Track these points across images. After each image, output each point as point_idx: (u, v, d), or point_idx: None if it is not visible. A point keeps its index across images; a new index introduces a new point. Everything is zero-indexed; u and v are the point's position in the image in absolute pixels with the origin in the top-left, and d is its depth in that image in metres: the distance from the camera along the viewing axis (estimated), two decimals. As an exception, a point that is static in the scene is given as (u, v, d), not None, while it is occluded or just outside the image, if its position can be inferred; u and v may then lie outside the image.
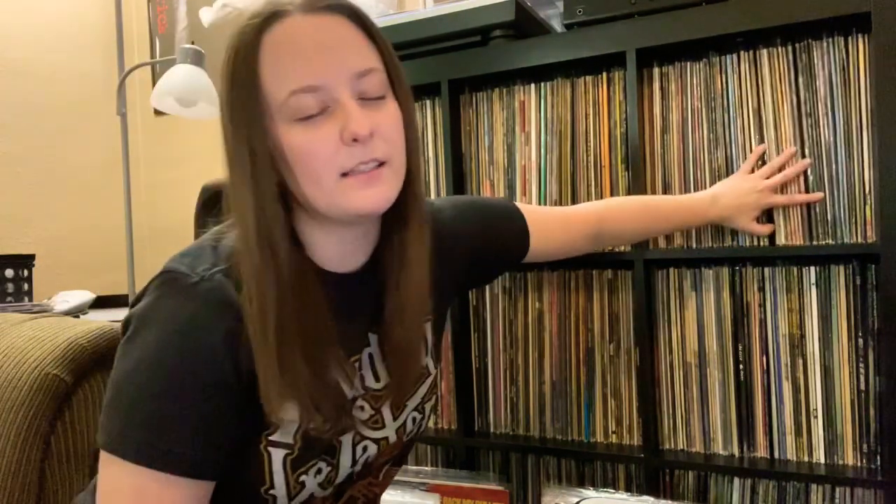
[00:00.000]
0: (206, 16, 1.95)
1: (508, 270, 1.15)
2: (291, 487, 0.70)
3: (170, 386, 0.63)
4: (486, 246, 0.93)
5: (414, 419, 0.83)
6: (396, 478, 1.24)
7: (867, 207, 1.05)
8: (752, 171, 1.10)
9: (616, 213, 1.07)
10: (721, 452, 1.16)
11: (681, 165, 1.17)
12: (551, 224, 1.02)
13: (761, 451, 1.14)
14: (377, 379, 0.78)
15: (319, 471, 0.72)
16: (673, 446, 1.20)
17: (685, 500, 1.18)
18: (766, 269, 1.13)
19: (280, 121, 0.65)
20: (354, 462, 0.76)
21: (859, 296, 1.07)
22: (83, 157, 2.66)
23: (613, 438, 1.24)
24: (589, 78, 1.24)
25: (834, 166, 1.08)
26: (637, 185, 1.16)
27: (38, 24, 2.56)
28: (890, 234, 1.00)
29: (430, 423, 1.39)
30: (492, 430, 1.34)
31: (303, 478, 0.71)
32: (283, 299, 0.65)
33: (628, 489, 1.22)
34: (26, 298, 2.05)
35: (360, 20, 0.69)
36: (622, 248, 1.21)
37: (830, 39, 1.07)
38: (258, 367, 0.64)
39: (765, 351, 1.13)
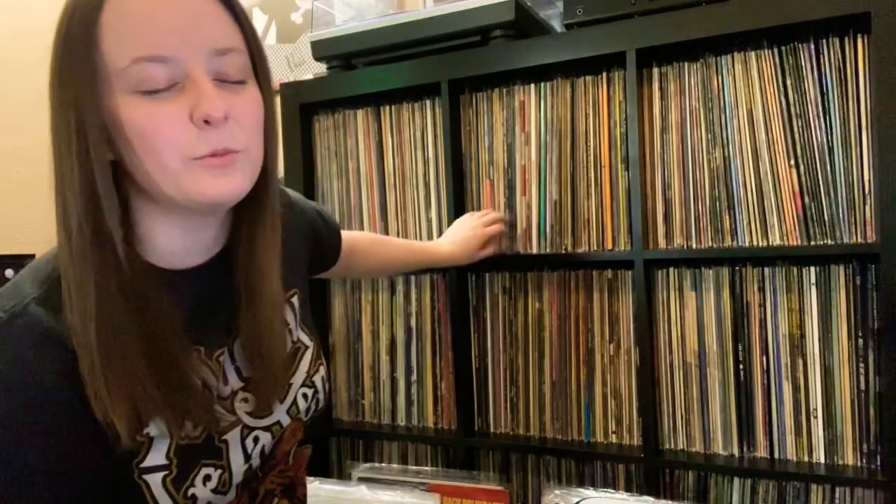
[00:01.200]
0: None
1: (317, 274, 1.09)
2: None
3: (11, 446, 0.55)
4: (318, 236, 0.94)
5: (305, 395, 0.79)
6: (396, 478, 1.24)
7: (867, 207, 1.05)
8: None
9: (363, 241, 1.14)
10: (721, 452, 1.16)
11: (680, 165, 1.17)
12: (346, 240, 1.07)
13: (761, 451, 1.14)
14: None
15: (208, 478, 0.66)
16: (673, 446, 1.20)
17: (685, 500, 1.18)
18: (766, 269, 1.13)
19: (119, 91, 0.56)
20: (248, 457, 0.71)
21: (859, 296, 1.07)
22: (83, 157, 2.66)
23: (613, 438, 1.24)
24: (589, 78, 1.24)
25: (829, 167, 1.08)
26: (637, 185, 1.16)
27: (37, 24, 2.57)
28: (890, 234, 1.00)
29: (430, 423, 1.39)
30: (492, 430, 1.34)
31: (191, 491, 0.64)
32: (114, 301, 0.58)
33: (628, 489, 1.22)
34: (26, 298, 2.04)
35: None
36: (622, 248, 1.21)
37: (824, 41, 1.07)
38: (90, 388, 0.56)
39: (765, 351, 1.13)
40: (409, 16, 1.35)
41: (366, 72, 1.39)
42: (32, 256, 2.11)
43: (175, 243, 0.65)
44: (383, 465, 1.39)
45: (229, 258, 0.70)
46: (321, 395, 0.82)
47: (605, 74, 1.22)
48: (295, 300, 0.82)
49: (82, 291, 0.57)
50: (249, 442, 0.71)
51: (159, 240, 0.64)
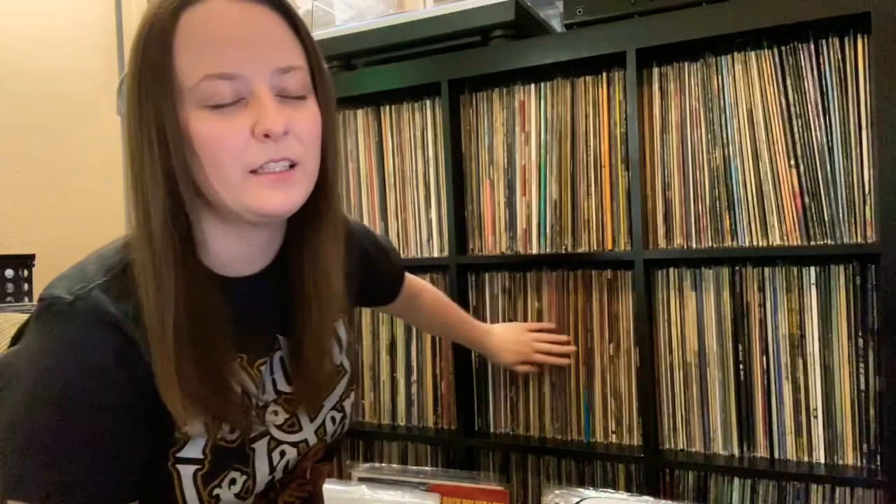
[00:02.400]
0: None
1: (371, 305, 1.18)
2: (205, 503, 0.67)
3: (64, 416, 0.59)
4: (375, 268, 0.96)
5: (333, 419, 0.81)
6: (396, 478, 1.24)
7: (867, 207, 1.05)
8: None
9: (427, 295, 1.16)
10: (721, 452, 1.16)
11: (680, 165, 1.17)
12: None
13: (761, 451, 1.14)
14: (289, 382, 0.75)
15: (234, 481, 0.69)
16: (673, 446, 1.20)
17: (685, 500, 1.18)
18: (767, 270, 1.13)
19: (190, 105, 0.61)
20: (273, 469, 0.73)
21: (859, 296, 1.07)
22: (83, 157, 2.66)
23: (613, 438, 1.24)
24: (589, 78, 1.24)
25: (829, 167, 1.08)
26: (637, 185, 1.16)
27: (37, 24, 2.57)
28: (890, 234, 1.00)
29: (430, 423, 1.39)
30: (492, 430, 1.34)
31: (216, 491, 0.67)
32: (176, 302, 0.62)
33: (628, 489, 1.22)
34: (26, 298, 2.05)
35: (288, 15, 0.65)
36: (622, 248, 1.21)
37: (824, 41, 1.07)
38: (157, 376, 0.61)
39: (765, 351, 1.13)
40: (409, 16, 1.35)
41: (366, 72, 1.39)
42: (32, 256, 2.11)
43: (230, 251, 0.69)
44: (383, 465, 1.39)
45: (279, 271, 0.73)
46: (347, 420, 0.84)
47: (605, 74, 1.22)
48: (340, 324, 0.83)
49: (160, 290, 0.61)
50: (276, 455, 0.73)
51: (216, 247, 0.68)
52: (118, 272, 0.63)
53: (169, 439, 0.64)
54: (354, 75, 1.40)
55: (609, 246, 1.23)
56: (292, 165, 0.64)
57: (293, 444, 0.75)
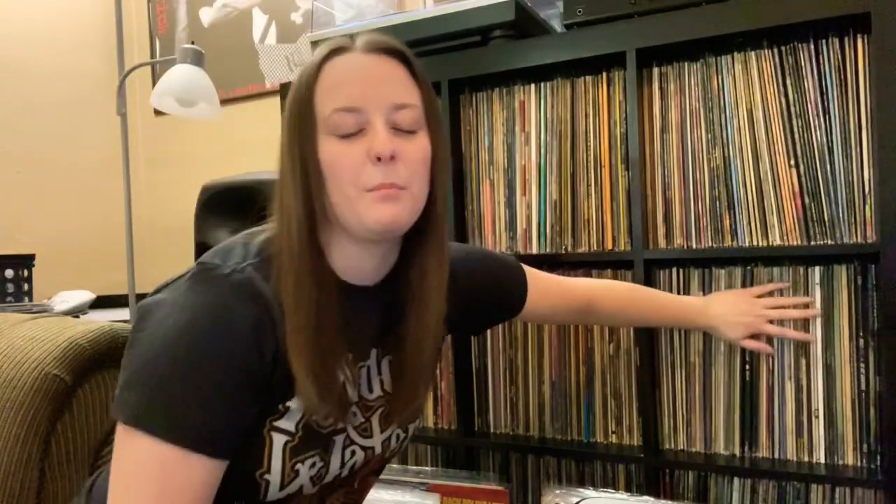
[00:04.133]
0: (206, 16, 1.95)
1: (500, 322, 1.19)
2: (286, 474, 0.74)
3: (198, 365, 0.67)
4: (486, 292, 0.98)
5: (398, 437, 0.88)
6: (396, 478, 1.25)
7: (867, 207, 1.05)
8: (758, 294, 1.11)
9: (607, 298, 1.10)
10: (721, 452, 1.16)
11: (680, 165, 1.17)
12: (549, 289, 1.06)
13: (762, 452, 1.14)
14: (370, 390, 0.82)
15: (314, 464, 0.76)
16: (673, 446, 1.20)
17: (685, 500, 1.18)
18: (769, 270, 1.13)
19: (323, 134, 0.72)
20: (343, 464, 0.80)
21: (860, 296, 1.07)
22: (83, 157, 2.66)
23: (613, 438, 1.24)
24: (589, 78, 1.24)
25: (829, 167, 1.08)
26: (637, 185, 1.16)
27: (37, 24, 2.57)
28: (890, 234, 1.00)
29: (430, 423, 1.39)
30: (492, 430, 1.34)
31: (298, 466, 0.75)
32: (311, 296, 0.71)
33: (628, 489, 1.22)
34: (26, 298, 2.05)
35: (409, 63, 0.77)
36: (622, 248, 1.21)
37: (824, 41, 1.07)
38: (290, 348, 0.70)
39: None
40: (409, 16, 1.35)
41: (366, 72, 1.39)
42: (32, 256, 2.11)
43: (351, 261, 0.77)
44: (383, 465, 1.39)
45: (390, 287, 0.81)
46: (406, 444, 0.92)
47: (605, 74, 1.22)
48: None
49: (297, 285, 0.71)
50: (348, 452, 0.80)
51: (339, 256, 0.77)
52: (268, 257, 0.73)
53: (273, 409, 0.73)
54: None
55: (609, 246, 1.23)
56: (401, 189, 0.72)
57: (363, 448, 0.82)
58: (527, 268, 1.04)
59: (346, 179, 0.71)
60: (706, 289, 1.17)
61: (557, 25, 1.40)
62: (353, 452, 0.81)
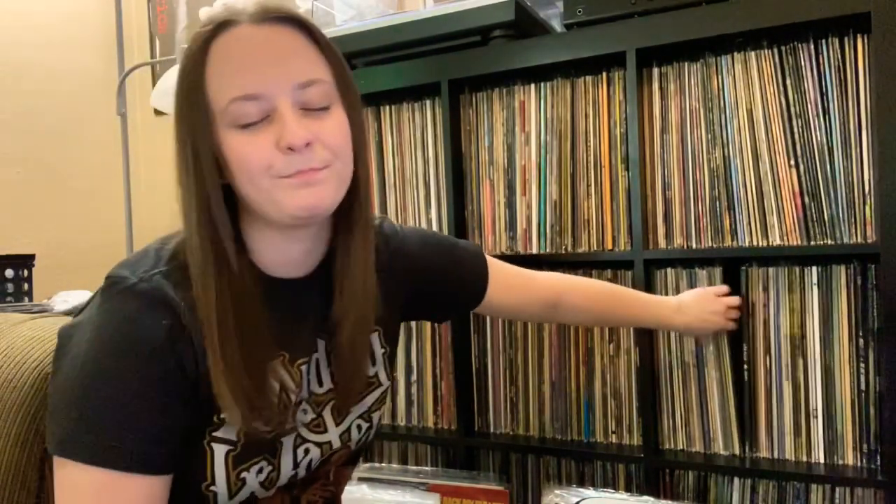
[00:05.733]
0: (206, 16, 1.95)
1: (460, 313, 1.14)
2: (232, 484, 0.71)
3: (113, 383, 0.64)
4: (440, 278, 0.94)
5: (359, 427, 0.84)
6: (396, 478, 1.25)
7: (867, 207, 1.05)
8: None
9: (578, 294, 1.08)
10: (721, 452, 1.16)
11: (680, 165, 1.17)
12: (513, 281, 1.03)
13: (762, 452, 1.14)
14: (321, 384, 0.79)
15: (261, 470, 0.73)
16: (673, 446, 1.20)
17: (685, 500, 1.18)
18: (768, 270, 1.13)
19: (222, 126, 0.66)
20: (296, 465, 0.77)
21: (860, 296, 1.07)
22: (83, 157, 2.66)
23: (613, 438, 1.24)
24: (589, 78, 1.24)
25: (829, 167, 1.08)
26: (637, 185, 1.16)
27: (37, 24, 2.56)
28: (890, 234, 1.00)
29: (430, 423, 1.39)
30: (492, 430, 1.34)
31: (244, 475, 0.72)
32: (224, 300, 0.67)
33: (628, 489, 1.22)
34: (26, 298, 2.05)
35: (309, 31, 0.69)
36: (622, 248, 1.21)
37: (824, 41, 1.07)
38: (210, 365, 0.66)
39: (767, 351, 1.13)
40: (409, 16, 1.35)
41: (366, 72, 1.39)
42: (32, 256, 2.11)
43: (276, 253, 0.73)
44: (383, 464, 1.39)
45: (324, 276, 0.77)
46: (374, 431, 0.88)
47: (605, 74, 1.22)
48: (376, 337, 0.85)
49: (205, 285, 0.67)
50: (301, 452, 0.77)
51: (264, 250, 0.73)
52: (179, 263, 0.69)
53: (209, 420, 0.69)
54: (354, 75, 1.39)
55: (609, 246, 1.23)
56: (321, 169, 0.68)
57: (317, 444, 0.79)
58: (492, 259, 1.01)
59: (256, 173, 0.66)
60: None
61: (557, 25, 1.40)
62: (307, 451, 0.78)
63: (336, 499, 0.88)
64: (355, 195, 0.74)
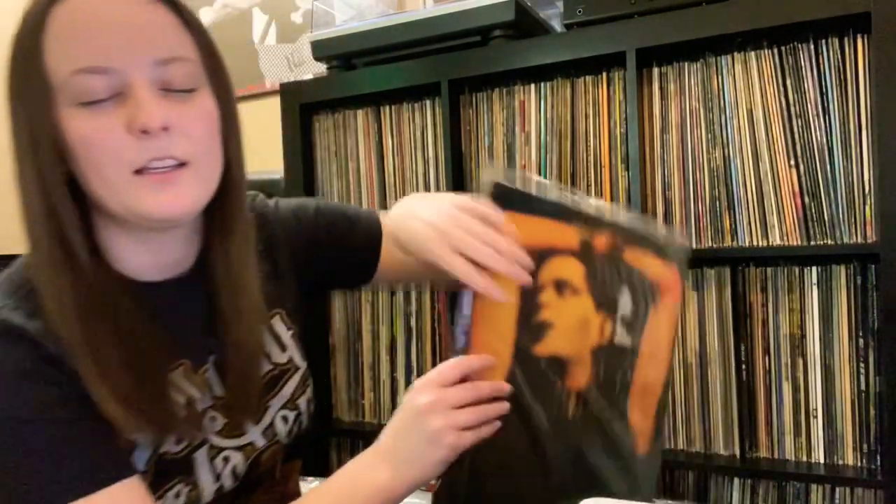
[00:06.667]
0: (207, 16, 1.95)
1: (360, 281, 0.90)
2: None
3: (8, 429, 0.56)
4: (328, 240, 0.83)
5: (285, 418, 0.75)
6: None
7: (867, 207, 1.05)
8: None
9: None
10: (721, 452, 1.16)
11: (680, 165, 1.17)
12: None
13: (762, 452, 1.14)
14: (225, 387, 0.70)
15: (178, 494, 0.65)
16: (673, 446, 1.20)
17: (685, 500, 1.18)
18: (768, 270, 1.13)
19: (63, 103, 0.56)
20: (218, 477, 0.68)
21: (860, 296, 1.07)
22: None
23: (613, 438, 1.24)
24: (589, 78, 1.24)
25: (829, 167, 1.08)
26: (637, 185, 1.16)
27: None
28: (890, 234, 1.00)
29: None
30: (492, 430, 1.34)
31: (159, 503, 0.64)
32: (87, 310, 0.58)
33: (628, 489, 1.22)
34: (26, 298, 2.04)
35: (173, 4, 0.61)
36: (622, 248, 1.21)
37: (824, 41, 1.07)
38: (90, 388, 0.57)
39: (766, 351, 1.13)
40: (409, 16, 1.35)
41: (366, 72, 1.39)
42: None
43: (140, 257, 0.64)
44: (383, 465, 1.39)
45: (201, 275, 0.68)
46: (304, 417, 0.78)
47: (605, 74, 1.22)
48: (278, 320, 0.77)
49: (56, 300, 0.57)
50: (219, 462, 0.68)
51: (123, 253, 0.63)
52: (27, 291, 0.60)
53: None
54: (354, 75, 1.40)
55: (609, 246, 1.23)
56: (182, 165, 0.59)
57: (237, 449, 0.70)
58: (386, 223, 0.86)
59: (104, 162, 0.56)
60: (704, 289, 1.17)
61: (557, 25, 1.40)
62: (227, 459, 0.69)
63: (288, 496, 0.78)
64: (229, 192, 0.65)
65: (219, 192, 0.64)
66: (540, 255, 0.66)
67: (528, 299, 0.66)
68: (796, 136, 1.09)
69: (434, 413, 0.64)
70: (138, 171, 0.57)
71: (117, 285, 0.61)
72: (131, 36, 0.57)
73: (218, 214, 0.66)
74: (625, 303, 0.70)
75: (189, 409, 0.65)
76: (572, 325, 0.68)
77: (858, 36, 1.05)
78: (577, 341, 0.69)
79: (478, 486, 0.67)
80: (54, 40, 0.56)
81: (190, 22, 0.61)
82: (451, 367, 0.69)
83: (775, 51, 1.10)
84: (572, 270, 0.68)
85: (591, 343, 0.69)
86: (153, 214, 0.58)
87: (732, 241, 1.14)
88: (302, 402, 0.77)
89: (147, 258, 0.64)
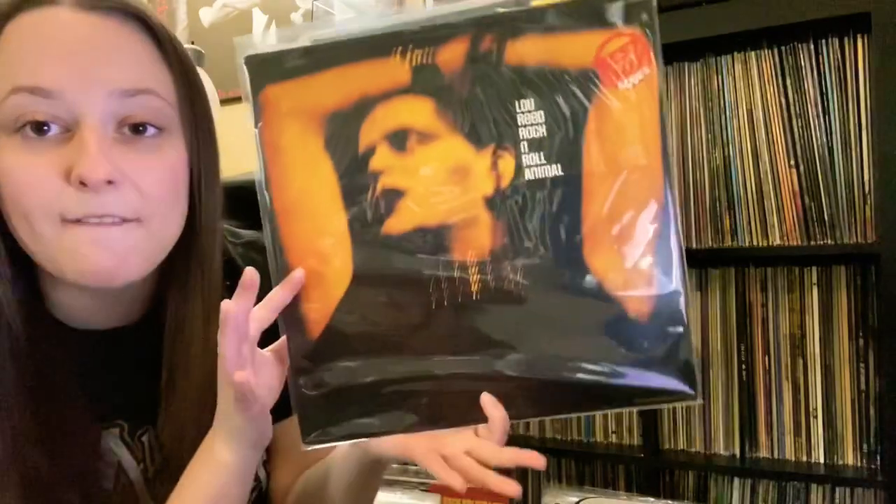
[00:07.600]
0: (206, 16, 1.95)
1: None
2: None
3: None
4: None
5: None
6: (396, 478, 1.24)
7: (867, 207, 1.05)
8: None
9: None
10: (721, 452, 1.16)
11: (680, 165, 1.17)
12: None
13: (762, 452, 1.14)
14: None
15: None
16: (673, 446, 1.20)
17: (685, 500, 1.18)
18: (768, 270, 1.13)
19: None
20: None
21: (860, 296, 1.07)
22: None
23: (613, 438, 1.24)
24: (589, 78, 1.24)
25: (829, 167, 1.08)
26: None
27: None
28: (890, 234, 1.00)
29: (430, 423, 1.39)
30: (492, 430, 1.34)
31: None
32: (4, 362, 0.49)
33: (628, 489, 1.22)
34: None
35: (148, 26, 0.50)
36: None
37: (824, 41, 1.07)
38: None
39: (766, 351, 1.13)
40: (409, 16, 1.35)
41: (366, 72, 1.39)
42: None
43: (80, 302, 0.54)
44: (383, 465, 1.39)
45: (153, 325, 0.56)
46: (263, 485, 0.64)
47: (605, 74, 1.22)
48: None
49: None
50: None
51: (63, 297, 0.53)
52: None
53: None
54: (354, 75, 1.40)
55: (609, 246, 1.23)
56: (125, 220, 0.48)
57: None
58: None
59: (32, 209, 0.46)
60: (704, 288, 1.17)
61: (557, 25, 1.40)
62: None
63: None
64: (192, 252, 0.54)
65: (182, 238, 0.53)
66: (351, 115, 0.50)
67: (351, 173, 0.50)
68: (796, 136, 1.09)
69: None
70: (72, 220, 0.47)
71: (48, 332, 0.52)
72: (90, 59, 0.47)
73: (179, 262, 0.55)
74: (528, 119, 0.52)
75: (119, 481, 0.54)
76: (437, 180, 0.51)
77: (858, 36, 1.05)
78: (453, 199, 0.51)
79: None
80: (2, 54, 0.47)
81: (167, 49, 0.51)
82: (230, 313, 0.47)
83: (775, 51, 1.10)
84: (410, 111, 0.51)
85: (480, 193, 0.50)
86: (80, 279, 0.48)
87: (732, 241, 1.14)
88: (260, 470, 0.63)
89: (89, 303, 0.54)
